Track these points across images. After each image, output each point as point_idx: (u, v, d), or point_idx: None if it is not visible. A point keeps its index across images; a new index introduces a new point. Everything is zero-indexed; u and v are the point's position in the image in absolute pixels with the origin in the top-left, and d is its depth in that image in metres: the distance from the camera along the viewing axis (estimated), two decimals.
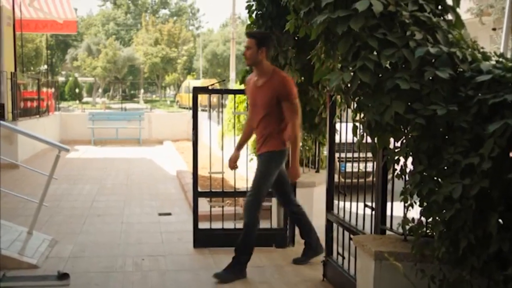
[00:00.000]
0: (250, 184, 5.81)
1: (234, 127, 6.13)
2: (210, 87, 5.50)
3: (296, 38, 5.17)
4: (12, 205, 7.22)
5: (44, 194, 5.59)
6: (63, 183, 8.86)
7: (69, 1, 14.00)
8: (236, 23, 41.60)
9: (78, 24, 56.81)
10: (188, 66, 59.81)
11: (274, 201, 5.80)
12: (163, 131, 17.02)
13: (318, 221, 5.13)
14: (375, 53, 3.01)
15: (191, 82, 48.75)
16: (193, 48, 59.94)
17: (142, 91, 56.58)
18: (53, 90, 16.45)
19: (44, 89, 15.10)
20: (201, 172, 6.09)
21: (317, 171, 6.14)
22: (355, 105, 3.25)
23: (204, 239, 5.57)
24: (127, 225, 6.54)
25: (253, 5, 5.23)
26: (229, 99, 12.43)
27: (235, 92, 6.11)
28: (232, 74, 36.62)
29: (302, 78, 5.29)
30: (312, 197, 5.68)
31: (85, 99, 57.06)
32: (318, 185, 5.69)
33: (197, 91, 5.36)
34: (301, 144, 5.89)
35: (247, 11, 5.33)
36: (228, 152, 8.62)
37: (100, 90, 56.59)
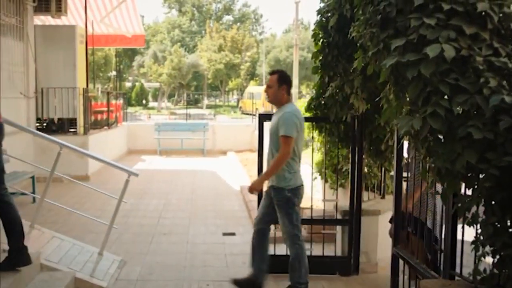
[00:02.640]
0: (314, 204, 5.84)
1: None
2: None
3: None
4: (83, 220, 7.49)
5: (114, 217, 5.78)
6: (131, 197, 9.08)
7: (137, 16, 14.44)
8: (299, 29, 41.52)
9: (144, 32, 58.65)
10: (251, 71, 60.31)
11: (338, 229, 5.77)
12: (227, 141, 17.24)
13: (383, 253, 5.06)
14: (446, 97, 2.95)
15: (254, 89, 49.13)
16: (256, 54, 60.38)
17: (205, 100, 57.42)
18: (121, 101, 16.99)
19: (113, 101, 15.62)
20: (264, 187, 6.12)
21: (383, 197, 6.05)
22: (424, 149, 3.18)
23: (268, 264, 5.57)
24: (192, 246, 6.67)
25: (319, 33, 5.21)
26: None
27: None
28: (295, 80, 36.55)
29: (368, 105, 5.23)
30: (377, 226, 5.60)
31: (150, 104, 58.62)
32: (383, 212, 5.60)
33: (262, 118, 5.41)
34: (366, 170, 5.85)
35: (313, 39, 5.34)
36: None
37: (165, 96, 57.91)
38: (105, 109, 14.32)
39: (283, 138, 4.66)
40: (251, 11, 73.71)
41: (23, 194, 8.04)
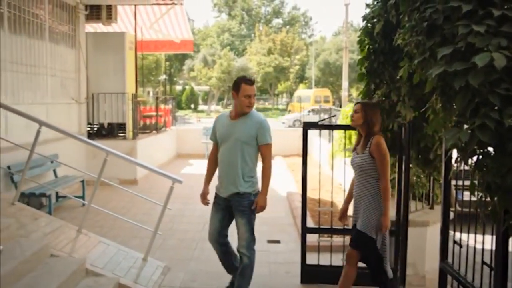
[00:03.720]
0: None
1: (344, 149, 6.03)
2: (320, 123, 5.46)
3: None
4: (129, 224, 7.59)
5: (158, 224, 5.82)
6: (177, 202, 9.15)
7: (186, 22, 14.57)
8: (349, 31, 41.01)
9: (194, 36, 59.35)
10: (300, 75, 60.16)
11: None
12: (274, 146, 17.05)
13: (431, 265, 4.87)
14: (496, 108, 2.80)
15: (302, 92, 48.98)
16: (305, 57, 60.18)
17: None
18: (170, 106, 17.20)
19: (162, 106, 15.83)
20: (310, 193, 6.06)
21: (431, 207, 5.85)
22: (473, 162, 3.03)
23: (312, 275, 5.51)
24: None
25: (365, 39, 5.09)
26: (340, 117, 12.29)
27: (345, 128, 5.99)
28: (345, 83, 36.12)
29: (416, 113, 5.06)
30: (425, 238, 5.41)
31: (200, 107, 59.33)
32: (432, 224, 5.41)
33: (307, 126, 5.34)
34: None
35: (359, 45, 5.22)
36: (337, 173, 8.54)
37: (215, 99, 58.47)
38: (154, 113, 14.54)
39: (269, 146, 4.82)
40: (300, 14, 73.55)
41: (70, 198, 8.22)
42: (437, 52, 3.08)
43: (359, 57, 5.34)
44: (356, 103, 4.63)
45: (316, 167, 7.35)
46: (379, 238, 4.48)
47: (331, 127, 5.87)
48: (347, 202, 4.96)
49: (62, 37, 10.32)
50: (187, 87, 60.44)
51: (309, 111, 38.70)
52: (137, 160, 6.52)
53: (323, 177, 5.83)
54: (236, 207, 4.85)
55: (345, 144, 5.91)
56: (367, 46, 5.08)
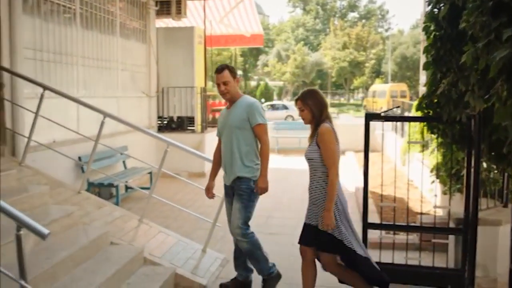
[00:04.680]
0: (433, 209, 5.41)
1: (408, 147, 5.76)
2: (383, 114, 5.23)
3: None
4: (194, 216, 7.66)
5: (217, 215, 5.82)
6: None
7: (256, 16, 14.55)
8: None
9: (269, 31, 59.52)
10: (376, 69, 58.94)
11: (451, 238, 5.31)
12: (345, 141, 16.75)
13: (502, 269, 4.54)
14: None
15: (378, 87, 47.94)
16: (382, 51, 58.89)
17: (329, 99, 56.86)
18: None
19: None
20: (379, 189, 5.85)
21: (505, 206, 5.46)
22: None
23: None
24: (296, 248, 6.39)
25: (430, 25, 4.80)
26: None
27: (409, 119, 5.72)
28: (422, 78, 35.00)
29: (488, 104, 4.71)
30: (497, 238, 5.04)
31: (274, 102, 59.47)
32: (505, 223, 5.04)
33: (369, 117, 5.14)
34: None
35: (424, 32, 4.93)
36: (412, 168, 8.23)
37: (289, 94, 58.39)
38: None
39: (262, 127, 4.72)
40: (376, 7, 72.02)
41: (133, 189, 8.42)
42: (503, 33, 2.82)
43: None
44: (296, 100, 4.38)
45: (390, 163, 7.07)
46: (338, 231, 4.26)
47: (395, 119, 5.61)
48: None
49: (133, 32, 10.58)
50: (261, 82, 60.74)
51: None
52: (193, 150, 6.52)
53: (394, 172, 5.60)
54: (236, 191, 4.83)
55: (409, 137, 5.60)
56: (433, 33, 4.79)
